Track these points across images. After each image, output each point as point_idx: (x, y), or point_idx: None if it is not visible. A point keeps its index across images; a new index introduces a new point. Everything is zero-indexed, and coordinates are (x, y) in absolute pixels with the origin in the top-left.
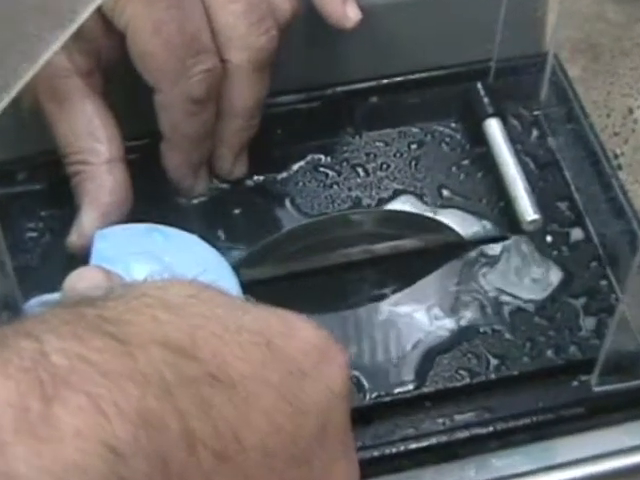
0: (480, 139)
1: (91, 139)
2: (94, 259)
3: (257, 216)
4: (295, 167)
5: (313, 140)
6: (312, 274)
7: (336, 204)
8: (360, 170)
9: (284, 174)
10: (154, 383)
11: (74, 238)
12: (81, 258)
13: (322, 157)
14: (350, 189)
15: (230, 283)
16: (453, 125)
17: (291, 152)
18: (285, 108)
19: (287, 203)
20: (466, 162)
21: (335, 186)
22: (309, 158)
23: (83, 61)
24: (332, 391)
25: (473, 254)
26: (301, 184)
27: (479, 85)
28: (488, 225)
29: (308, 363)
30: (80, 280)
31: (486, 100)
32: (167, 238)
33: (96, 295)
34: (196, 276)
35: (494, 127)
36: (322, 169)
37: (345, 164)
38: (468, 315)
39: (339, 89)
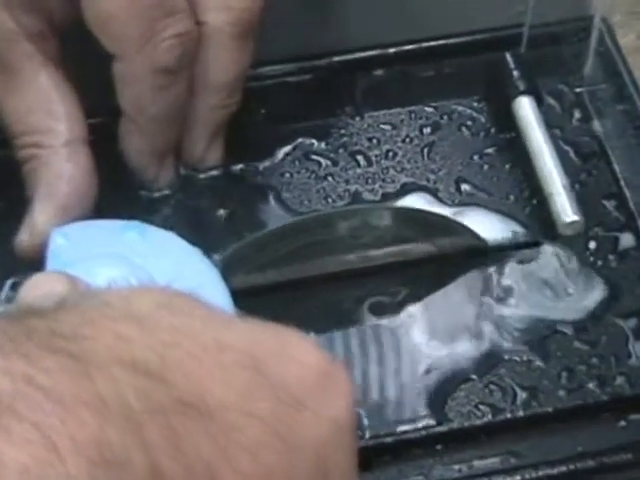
0: (509, 122)
1: (47, 117)
2: (50, 263)
3: (234, 213)
4: (281, 154)
5: (303, 121)
6: (299, 284)
7: (331, 200)
8: (361, 158)
9: (267, 162)
10: (116, 411)
11: (25, 237)
12: (27, 263)
13: (314, 142)
14: (348, 182)
15: (217, 292)
16: (475, 104)
17: (277, 136)
18: (270, 82)
19: (271, 198)
20: (491, 150)
21: (330, 178)
22: (298, 143)
23: (31, 22)
24: (335, 424)
25: (498, 263)
26: (288, 175)
27: (508, 56)
28: (517, 228)
29: (306, 390)
30: (36, 289)
31: (516, 74)
32: (144, 237)
33: (47, 305)
34: (170, 282)
35: (526, 108)
36: (314, 157)
37: (342, 151)
38: (491, 338)
39: (336, 59)
